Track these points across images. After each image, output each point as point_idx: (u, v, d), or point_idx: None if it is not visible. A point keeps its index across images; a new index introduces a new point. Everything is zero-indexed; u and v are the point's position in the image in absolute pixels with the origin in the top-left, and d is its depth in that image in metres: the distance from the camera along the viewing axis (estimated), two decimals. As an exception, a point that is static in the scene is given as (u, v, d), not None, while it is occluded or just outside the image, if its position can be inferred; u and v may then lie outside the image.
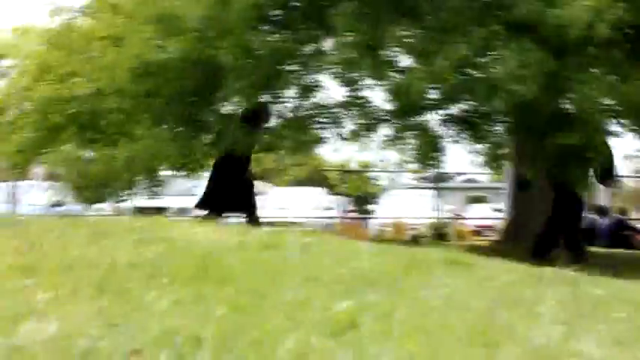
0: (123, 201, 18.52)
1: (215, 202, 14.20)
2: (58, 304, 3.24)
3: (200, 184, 25.19)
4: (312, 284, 3.90)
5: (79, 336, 2.69)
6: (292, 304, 3.35)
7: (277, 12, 13.60)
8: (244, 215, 14.48)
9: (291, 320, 3.09)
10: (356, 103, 13.77)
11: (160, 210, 21.88)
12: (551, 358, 2.85)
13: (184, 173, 16.24)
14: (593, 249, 17.69)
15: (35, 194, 24.36)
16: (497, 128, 13.90)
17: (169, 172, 15.33)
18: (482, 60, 11.75)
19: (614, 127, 13.24)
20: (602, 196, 26.96)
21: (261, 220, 14.76)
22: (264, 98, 14.36)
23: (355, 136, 13.80)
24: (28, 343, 2.63)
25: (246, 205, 14.36)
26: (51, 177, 18.99)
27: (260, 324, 2.97)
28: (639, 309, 4.08)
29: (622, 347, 3.07)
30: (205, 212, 14.51)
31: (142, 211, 20.96)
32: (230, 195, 14.04)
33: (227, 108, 15.09)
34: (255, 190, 15.75)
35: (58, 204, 22.27)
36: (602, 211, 25.18)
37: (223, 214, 14.71)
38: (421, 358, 2.58)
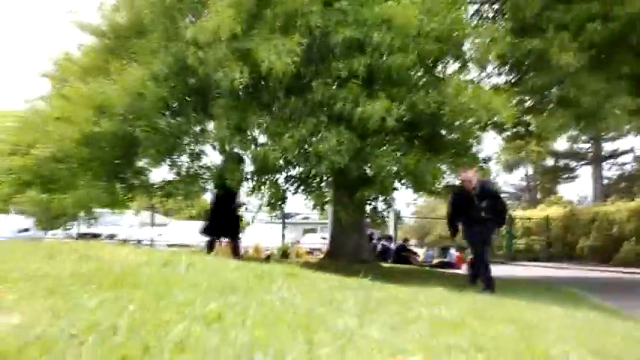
0: (69, 229, 18.15)
1: (213, 230, 14.27)
2: (20, 303, 3.18)
3: (123, 218, 24.84)
4: (194, 289, 3.91)
5: (35, 325, 2.66)
6: (180, 304, 3.36)
7: (176, 103, 13.57)
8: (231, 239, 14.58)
9: (180, 314, 3.10)
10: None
11: (95, 236, 21.48)
12: (349, 339, 2.90)
13: (111, 210, 15.61)
14: (385, 265, 17.67)
15: (8, 223, 23.66)
16: (322, 185, 14.47)
17: (101, 209, 15.10)
18: (313, 139, 12.03)
19: (397, 184, 13.80)
20: (391, 228, 27.53)
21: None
22: (167, 162, 14.46)
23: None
24: (4, 332, 2.57)
25: (234, 232, 14.28)
26: (20, 212, 18.39)
27: (158, 317, 2.97)
28: (407, 305, 4.17)
29: (396, 331, 3.15)
30: (208, 237, 14.53)
31: (82, 236, 20.64)
32: (224, 224, 14.02)
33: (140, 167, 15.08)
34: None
35: (25, 230, 21.69)
36: (389, 238, 25.93)
37: (219, 239, 14.59)
38: (264, 340, 2.61)
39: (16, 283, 3.70)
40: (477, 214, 11.71)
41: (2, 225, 23.82)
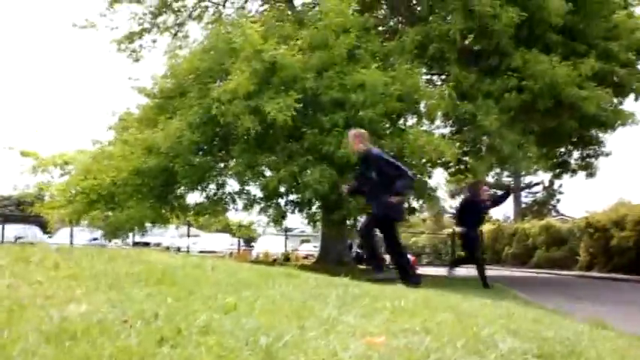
0: (127, 239, 18.19)
1: None
2: (87, 295, 3.15)
3: (166, 231, 24.69)
4: (216, 286, 3.88)
5: (97, 312, 2.63)
6: (205, 297, 3.33)
7: (205, 146, 13.73)
8: None
9: (205, 305, 3.06)
10: (244, 193, 14.16)
11: (145, 244, 21.49)
12: (331, 324, 2.87)
13: (157, 225, 15.84)
14: (361, 267, 17.58)
15: (82, 234, 23.68)
16: (312, 207, 14.75)
17: (149, 224, 15.21)
18: (303, 173, 12.24)
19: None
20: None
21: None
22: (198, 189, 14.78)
23: (245, 208, 14.26)
24: (74, 317, 2.54)
25: None
26: (91, 225, 18.39)
27: (189, 307, 2.94)
28: (376, 298, 4.15)
29: (366, 319, 3.12)
30: None
31: (136, 244, 20.63)
32: None
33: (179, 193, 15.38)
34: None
35: (95, 239, 21.65)
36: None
37: None
38: (268, 325, 2.58)
39: (85, 280, 3.67)
40: (370, 189, 8.57)
41: (78, 235, 23.80)
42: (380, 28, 17.25)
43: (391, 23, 18.65)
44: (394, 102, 12.69)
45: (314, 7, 16.36)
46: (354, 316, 3.26)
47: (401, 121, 14.77)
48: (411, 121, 15.35)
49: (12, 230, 24.79)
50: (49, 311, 2.69)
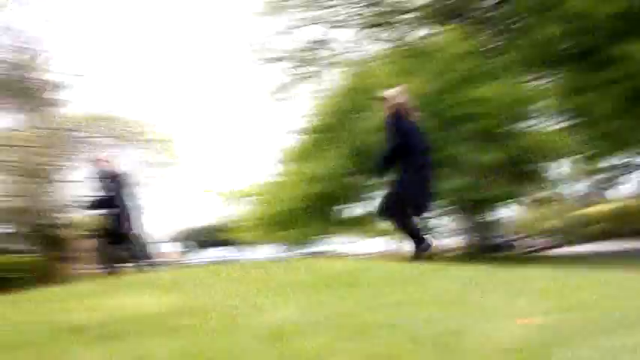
0: (303, 250, 18.93)
1: None
2: (276, 301, 3.20)
3: (335, 239, 24.70)
4: (383, 281, 3.74)
5: (297, 312, 2.67)
6: (377, 294, 3.26)
7: (357, 169, 13.98)
8: None
9: (376, 302, 3.02)
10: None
11: (319, 253, 21.67)
12: (477, 308, 2.71)
13: (326, 236, 17.23)
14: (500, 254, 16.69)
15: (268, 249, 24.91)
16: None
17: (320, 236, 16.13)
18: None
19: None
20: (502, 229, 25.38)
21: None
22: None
23: None
24: (278, 321, 2.61)
25: None
26: (274, 242, 19.14)
27: (371, 303, 2.90)
28: (524, 281, 3.86)
29: (516, 300, 2.88)
30: None
31: (311, 253, 20.79)
32: None
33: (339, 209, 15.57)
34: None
35: (276, 253, 22.47)
36: (501, 236, 22.58)
37: None
38: (429, 314, 2.48)
39: (274, 288, 3.72)
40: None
41: (265, 251, 24.96)
42: (486, 47, 16.79)
43: (492, 44, 18.13)
44: (510, 111, 12.30)
45: (428, 38, 16.22)
46: (503, 299, 3.07)
47: (516, 125, 14.28)
48: (525, 124, 14.80)
49: (214, 252, 27.44)
50: (257, 318, 2.76)
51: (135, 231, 7.91)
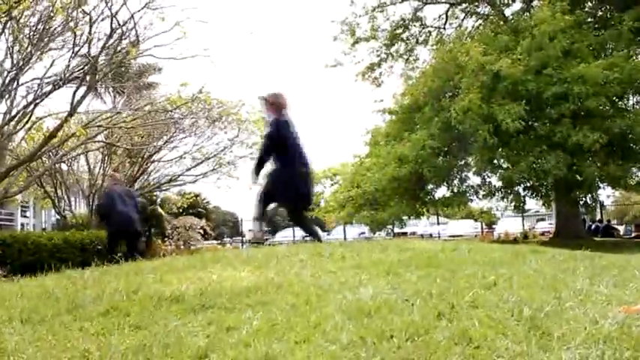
0: (388, 231, 18.91)
1: None
2: (368, 280, 3.23)
3: (420, 221, 24.82)
4: (476, 266, 3.67)
5: (385, 290, 2.69)
6: (468, 276, 3.18)
7: (445, 149, 13.80)
8: None
9: (469, 283, 2.92)
10: (485, 185, 13.87)
11: (404, 233, 21.77)
12: (585, 294, 2.62)
13: (412, 218, 16.60)
14: (597, 239, 15.95)
15: (353, 230, 25.16)
16: (547, 190, 13.96)
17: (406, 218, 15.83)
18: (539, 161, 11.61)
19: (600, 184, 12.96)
20: (598, 214, 24.75)
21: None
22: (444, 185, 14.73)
23: (485, 197, 14.20)
24: (365, 298, 2.64)
25: None
26: (359, 223, 19.24)
27: (456, 285, 2.86)
28: (623, 268, 3.68)
29: (618, 288, 2.76)
30: None
31: (396, 234, 20.89)
32: None
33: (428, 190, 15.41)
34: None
35: (362, 233, 22.62)
36: (599, 220, 22.63)
37: None
38: (527, 296, 2.43)
39: (367, 268, 3.73)
40: None
41: (349, 231, 25.16)
42: (589, 20, 15.74)
43: (600, 13, 16.92)
44: (615, 87, 11.57)
45: (524, 13, 15.48)
46: (605, 286, 2.94)
47: (622, 102, 13.37)
48: (633, 100, 13.85)
49: (299, 232, 27.81)
50: (345, 294, 2.78)
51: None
